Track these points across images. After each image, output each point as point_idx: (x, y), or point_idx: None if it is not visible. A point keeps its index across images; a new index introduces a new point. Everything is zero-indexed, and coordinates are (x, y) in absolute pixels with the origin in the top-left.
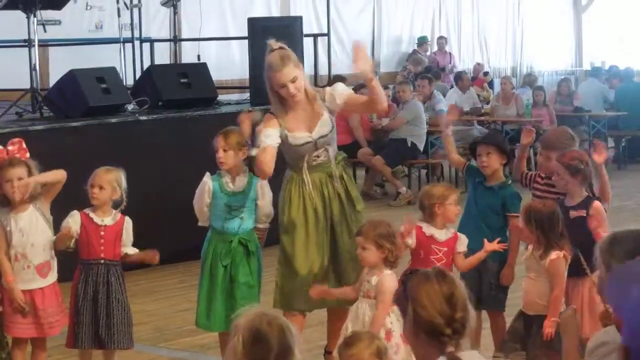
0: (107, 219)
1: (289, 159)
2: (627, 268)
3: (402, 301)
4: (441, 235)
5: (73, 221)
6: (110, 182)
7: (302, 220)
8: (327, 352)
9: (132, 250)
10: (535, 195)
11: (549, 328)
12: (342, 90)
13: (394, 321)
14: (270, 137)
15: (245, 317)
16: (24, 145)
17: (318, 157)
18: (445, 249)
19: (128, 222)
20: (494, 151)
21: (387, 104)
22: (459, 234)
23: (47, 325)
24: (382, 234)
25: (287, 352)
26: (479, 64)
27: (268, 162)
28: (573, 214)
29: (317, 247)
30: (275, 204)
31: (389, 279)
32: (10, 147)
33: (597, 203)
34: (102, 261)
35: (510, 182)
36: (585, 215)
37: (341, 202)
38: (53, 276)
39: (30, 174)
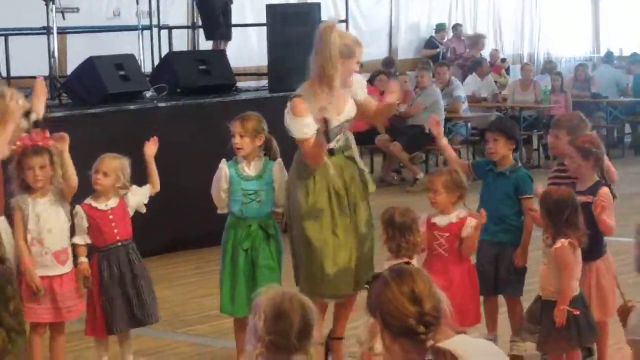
0: (110, 201)
1: None
2: None
3: (371, 309)
4: (442, 220)
5: (80, 219)
6: (115, 169)
7: (327, 205)
8: (333, 338)
9: (145, 197)
10: (549, 183)
11: (558, 317)
12: (364, 86)
13: None
14: (309, 126)
15: (266, 295)
16: (48, 134)
17: (338, 141)
18: (447, 234)
19: (128, 195)
20: (501, 137)
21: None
22: (468, 219)
23: (65, 309)
24: (385, 219)
25: (307, 329)
26: (496, 50)
27: (316, 152)
28: (581, 199)
29: (344, 230)
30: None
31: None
32: (34, 135)
33: (604, 189)
34: (119, 244)
35: (520, 165)
36: (591, 201)
37: (356, 183)
38: (71, 264)
39: (52, 162)
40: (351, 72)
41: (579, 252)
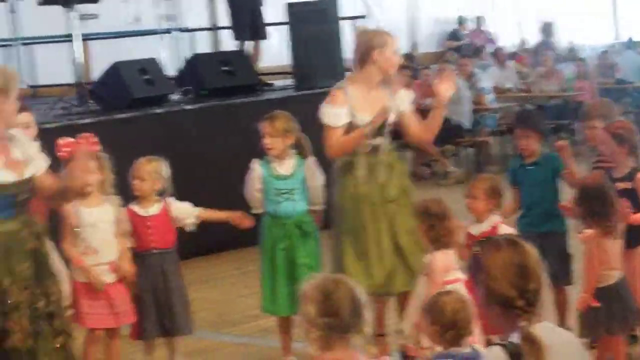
0: (152, 208)
1: None
2: None
3: (475, 271)
4: (475, 230)
5: (124, 222)
6: (150, 173)
7: (362, 205)
8: (376, 335)
9: (192, 218)
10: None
11: (579, 303)
12: (410, 100)
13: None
14: (336, 116)
15: (311, 284)
16: (95, 139)
17: (374, 143)
18: None
19: (172, 203)
20: (532, 133)
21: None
22: (501, 226)
23: (122, 314)
24: (420, 211)
25: (358, 307)
26: (523, 40)
27: (337, 143)
28: (619, 185)
29: (379, 230)
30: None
31: (438, 258)
32: (82, 140)
33: None
34: (154, 251)
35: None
36: (630, 187)
37: (396, 188)
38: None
39: (100, 167)
40: (390, 63)
41: (610, 241)
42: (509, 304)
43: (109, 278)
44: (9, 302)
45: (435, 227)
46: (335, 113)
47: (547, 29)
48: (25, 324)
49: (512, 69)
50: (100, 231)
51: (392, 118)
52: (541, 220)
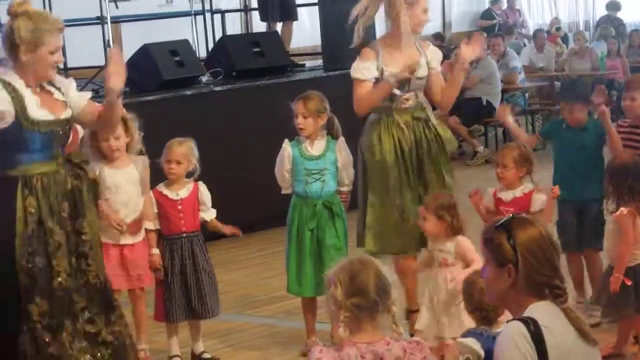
0: (181, 191)
1: None
2: None
3: (493, 246)
4: (507, 195)
5: (151, 204)
6: (186, 155)
7: (394, 161)
8: (410, 312)
9: (209, 216)
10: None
11: (613, 284)
12: (439, 59)
13: None
14: (367, 69)
15: (336, 266)
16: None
17: (407, 100)
18: (512, 209)
19: (202, 187)
20: (577, 105)
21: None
22: (534, 193)
23: (135, 277)
24: (442, 205)
25: (385, 286)
26: (556, 18)
27: (364, 96)
28: None
29: (410, 187)
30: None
31: (466, 240)
32: None
33: None
34: (184, 235)
35: (593, 115)
36: None
37: (429, 143)
38: (142, 233)
39: (126, 127)
40: (419, 20)
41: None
42: (548, 284)
43: (125, 239)
44: (51, 242)
45: (455, 217)
46: (364, 67)
47: (612, 5)
48: (66, 264)
49: (551, 51)
50: (123, 193)
51: (423, 72)
52: (581, 186)
